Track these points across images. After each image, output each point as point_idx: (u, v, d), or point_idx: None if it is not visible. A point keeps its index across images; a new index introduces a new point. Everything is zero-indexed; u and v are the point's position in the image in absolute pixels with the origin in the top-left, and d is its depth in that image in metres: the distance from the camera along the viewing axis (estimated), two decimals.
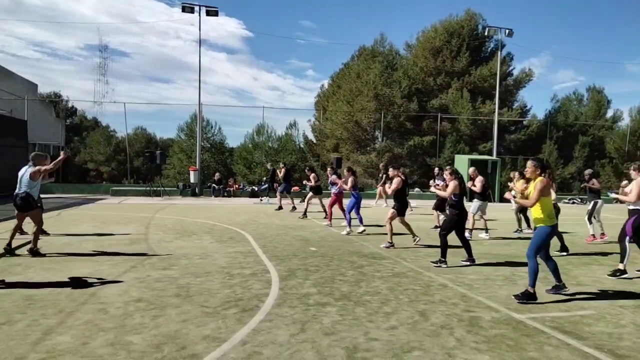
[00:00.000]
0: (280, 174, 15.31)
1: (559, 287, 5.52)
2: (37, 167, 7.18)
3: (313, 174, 13.11)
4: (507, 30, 25.70)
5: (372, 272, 6.60)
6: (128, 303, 4.84)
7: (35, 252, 7.14)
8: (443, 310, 4.84)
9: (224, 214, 14.20)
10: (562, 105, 36.97)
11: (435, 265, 6.99)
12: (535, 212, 5.30)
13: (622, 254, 6.63)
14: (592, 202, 9.89)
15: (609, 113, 35.55)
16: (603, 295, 5.67)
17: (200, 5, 22.35)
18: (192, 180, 22.53)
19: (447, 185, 7.43)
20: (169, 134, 57.59)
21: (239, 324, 4.27)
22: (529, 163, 5.43)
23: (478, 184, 10.11)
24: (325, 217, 12.49)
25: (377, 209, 16.15)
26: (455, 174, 7.33)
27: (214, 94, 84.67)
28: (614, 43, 74.00)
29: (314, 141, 37.15)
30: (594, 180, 9.93)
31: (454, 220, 7.16)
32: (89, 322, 4.23)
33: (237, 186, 23.22)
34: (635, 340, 4.13)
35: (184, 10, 22.24)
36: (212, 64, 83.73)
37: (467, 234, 9.69)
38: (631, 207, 6.69)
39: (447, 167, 7.67)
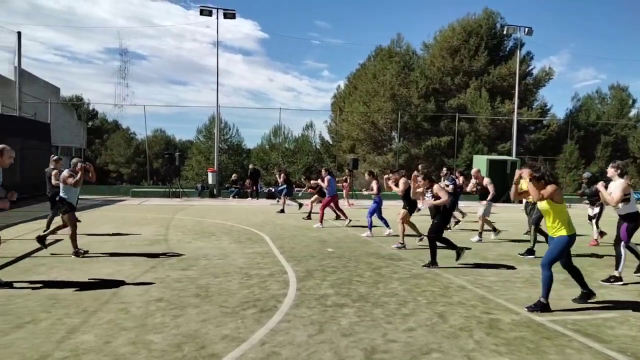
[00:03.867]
0: (280, 178, 15.41)
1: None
2: (65, 173, 7.37)
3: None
4: (526, 29, 25.35)
5: (389, 273, 6.58)
6: (149, 303, 4.92)
7: (77, 254, 7.32)
8: (462, 312, 4.80)
9: (241, 214, 14.32)
10: (583, 104, 36.33)
11: (425, 266, 7.01)
12: (553, 219, 4.91)
13: (617, 260, 6.23)
14: (600, 206, 9.55)
15: (632, 112, 34.79)
16: (626, 297, 5.55)
17: (217, 8, 22.61)
18: (210, 182, 22.77)
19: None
20: (187, 135, 58.48)
21: (258, 324, 4.31)
22: (526, 171, 5.08)
23: (490, 187, 9.94)
24: (336, 218, 12.72)
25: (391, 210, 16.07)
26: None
27: (230, 95, 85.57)
28: (635, 40, 72.22)
29: (330, 142, 37.17)
30: (599, 184, 9.52)
31: (442, 223, 7.20)
32: (111, 322, 4.32)
33: (254, 187, 23.38)
34: None
35: (202, 13, 22.52)
36: (229, 65, 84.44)
37: (477, 237, 9.62)
38: (622, 211, 6.25)
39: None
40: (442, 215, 7.23)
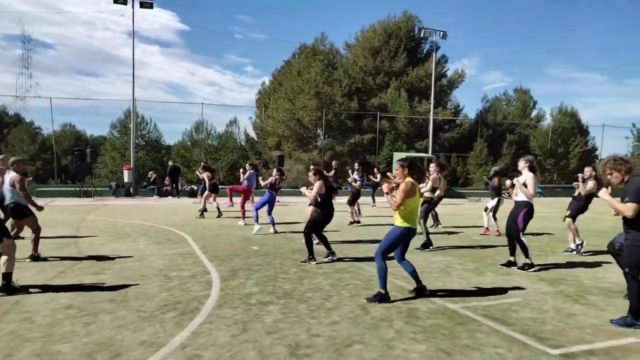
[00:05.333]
0: (202, 175, 14.62)
1: (420, 290, 5.27)
2: (20, 177, 6.68)
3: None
4: (441, 33, 26.79)
5: (314, 268, 6.65)
6: (56, 311, 4.56)
7: (36, 258, 6.89)
8: (383, 304, 4.97)
9: (161, 214, 13.72)
10: (491, 105, 39.14)
11: (303, 262, 7.02)
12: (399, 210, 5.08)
13: (523, 249, 6.73)
14: (497, 199, 10.41)
15: (534, 113, 38.11)
16: (528, 283, 6.08)
17: None
18: (126, 180, 21.56)
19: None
20: (100, 131, 54.67)
21: (178, 328, 4.15)
22: (397, 165, 5.29)
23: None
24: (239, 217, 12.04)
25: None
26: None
27: (147, 88, 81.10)
28: (536, 47, 79.52)
29: (256, 139, 36.75)
30: (495, 179, 10.38)
31: (318, 219, 7.27)
32: (13, 333, 3.95)
33: (174, 185, 22.48)
34: (555, 324, 4.47)
35: (116, 1, 21.15)
36: (145, 57, 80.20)
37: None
38: (518, 199, 6.81)
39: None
40: (322, 213, 7.25)
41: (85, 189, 19.98)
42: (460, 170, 32.69)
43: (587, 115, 73.18)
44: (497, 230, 10.27)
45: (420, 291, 5.28)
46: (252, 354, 3.61)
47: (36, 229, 6.98)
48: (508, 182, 7.05)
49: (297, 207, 16.16)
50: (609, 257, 7.83)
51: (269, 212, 10.02)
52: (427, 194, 8.76)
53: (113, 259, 7.12)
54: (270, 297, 5.16)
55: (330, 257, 7.23)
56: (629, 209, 4.20)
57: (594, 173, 8.50)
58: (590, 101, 79.28)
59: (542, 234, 10.63)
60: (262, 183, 10.98)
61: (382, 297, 5.02)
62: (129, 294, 5.19)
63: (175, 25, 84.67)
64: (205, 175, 13.57)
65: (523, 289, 5.76)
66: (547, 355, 3.73)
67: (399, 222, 5.08)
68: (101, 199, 19.25)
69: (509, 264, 7.00)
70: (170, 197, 20.41)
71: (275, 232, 9.94)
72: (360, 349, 3.75)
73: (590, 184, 8.18)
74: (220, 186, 15.21)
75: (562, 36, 77.92)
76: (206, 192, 13.49)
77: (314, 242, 7.45)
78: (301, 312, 4.65)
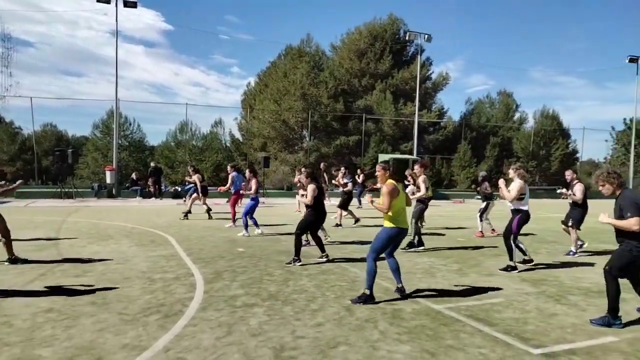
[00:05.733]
0: (193, 177, 14.34)
1: (400, 290, 5.32)
2: None
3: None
4: (425, 36, 27.03)
5: (299, 270, 6.63)
6: (36, 314, 4.46)
7: (15, 260, 6.73)
8: (367, 305, 4.98)
9: (144, 216, 13.55)
10: (475, 107, 39.62)
11: (288, 264, 6.97)
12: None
13: (509, 251, 6.87)
14: (486, 202, 10.54)
15: (517, 115, 38.67)
16: (510, 283, 6.16)
17: None
18: (108, 181, 21.25)
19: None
20: (82, 131, 53.62)
21: (162, 330, 4.11)
22: (378, 167, 5.36)
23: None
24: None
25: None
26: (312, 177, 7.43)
27: (131, 89, 79.97)
28: (519, 51, 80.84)
29: (241, 140, 36.58)
30: (486, 184, 10.53)
31: (310, 220, 7.29)
32: None
33: (156, 186, 22.22)
34: (538, 324, 4.54)
35: (99, 0, 20.87)
36: (129, 57, 79.03)
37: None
38: (513, 207, 6.92)
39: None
40: (314, 214, 7.26)
41: (66, 190, 19.64)
42: (445, 172, 32.99)
43: (569, 119, 74.76)
44: (481, 232, 10.40)
45: (400, 291, 5.31)
46: (236, 357, 3.59)
47: (5, 232, 6.73)
48: (501, 182, 7.08)
49: (282, 209, 16.17)
50: (589, 258, 8.02)
51: (251, 215, 10.03)
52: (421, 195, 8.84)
53: (95, 261, 7.00)
54: (255, 299, 5.13)
55: (325, 260, 7.24)
56: (633, 224, 4.27)
57: (575, 175, 8.64)
58: (572, 104, 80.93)
59: (524, 234, 10.77)
60: (247, 193, 10.64)
61: (367, 298, 5.04)
62: (111, 297, 5.11)
63: (160, 25, 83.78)
64: (196, 178, 13.37)
65: (506, 289, 5.83)
66: (529, 355, 3.78)
67: (387, 223, 5.14)
68: (83, 200, 18.94)
69: (524, 262, 7.12)
70: (153, 199, 20.19)
71: (262, 233, 9.91)
72: (345, 351, 3.75)
73: (578, 187, 8.29)
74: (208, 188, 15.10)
75: (545, 40, 79.42)
76: (194, 195, 13.34)
77: (303, 244, 7.45)
78: (286, 314, 4.63)
